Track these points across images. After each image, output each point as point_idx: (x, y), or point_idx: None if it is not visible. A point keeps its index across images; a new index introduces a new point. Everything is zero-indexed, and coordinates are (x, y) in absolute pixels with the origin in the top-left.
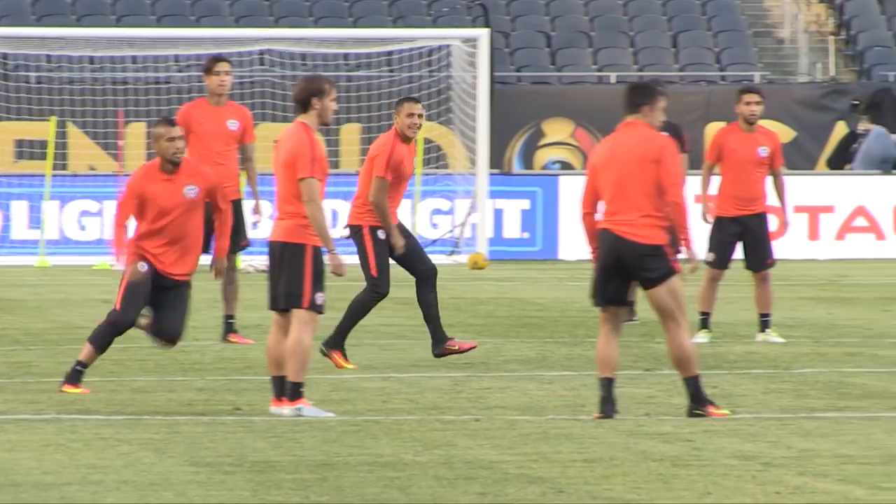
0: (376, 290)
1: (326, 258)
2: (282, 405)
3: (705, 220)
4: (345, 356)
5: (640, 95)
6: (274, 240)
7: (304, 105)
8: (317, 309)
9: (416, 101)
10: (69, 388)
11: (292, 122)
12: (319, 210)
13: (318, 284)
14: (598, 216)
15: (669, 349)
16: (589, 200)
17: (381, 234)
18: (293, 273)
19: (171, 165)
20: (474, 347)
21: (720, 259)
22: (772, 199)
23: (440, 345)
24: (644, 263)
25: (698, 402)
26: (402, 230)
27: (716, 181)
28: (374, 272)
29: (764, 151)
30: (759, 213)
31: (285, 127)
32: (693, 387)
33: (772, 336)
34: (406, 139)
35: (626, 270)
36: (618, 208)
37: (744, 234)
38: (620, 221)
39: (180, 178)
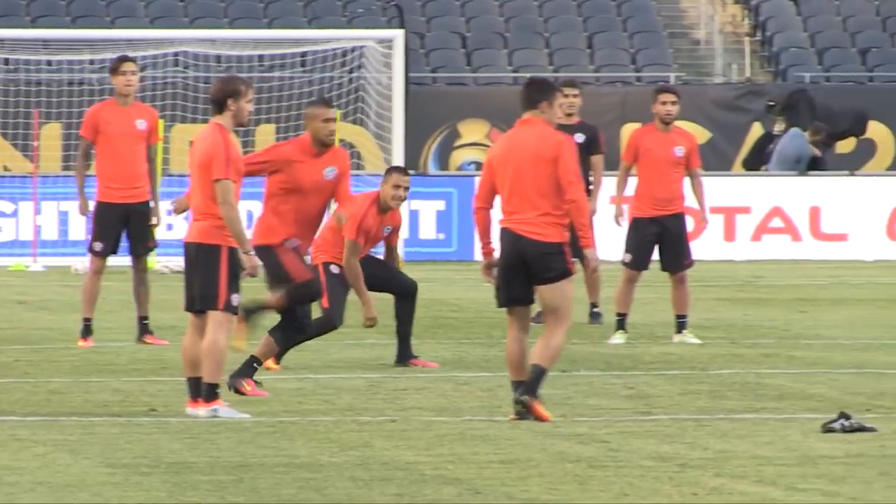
0: (329, 321)
1: (242, 259)
2: (198, 406)
3: (617, 222)
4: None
5: (537, 91)
6: (189, 241)
7: (219, 106)
8: (232, 310)
9: (406, 172)
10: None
11: (208, 123)
12: (234, 211)
13: (233, 286)
14: (493, 212)
15: (541, 343)
16: (484, 196)
17: (333, 269)
18: (208, 274)
19: (323, 147)
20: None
21: (637, 260)
22: (690, 199)
23: (404, 360)
24: (545, 262)
25: (532, 392)
26: (374, 261)
27: (633, 182)
28: (324, 303)
29: (680, 151)
30: (676, 213)
31: (199, 128)
32: (536, 377)
33: (688, 337)
34: (384, 209)
35: (528, 269)
36: (516, 207)
37: (661, 234)
38: (520, 220)
39: (325, 160)
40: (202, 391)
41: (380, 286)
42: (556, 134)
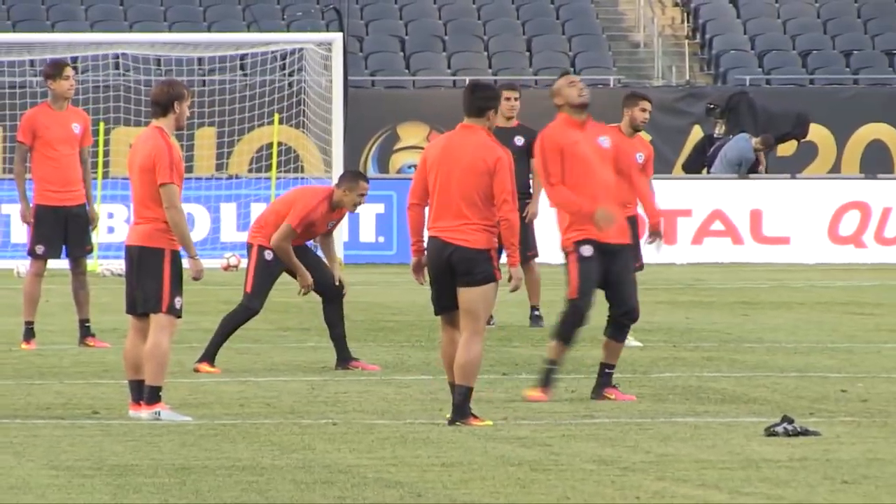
0: (249, 306)
1: (186, 262)
2: (140, 409)
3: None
4: (212, 364)
5: (485, 99)
6: (131, 244)
7: (164, 109)
8: (175, 313)
9: (368, 180)
10: (535, 394)
11: (147, 126)
12: (181, 215)
13: (176, 289)
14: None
15: (459, 353)
16: (418, 193)
17: (267, 255)
18: (152, 277)
19: (581, 110)
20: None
21: None
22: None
23: (345, 363)
24: (470, 266)
25: (463, 414)
26: (309, 255)
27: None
28: (247, 288)
29: (641, 158)
30: (630, 216)
31: (140, 131)
32: (463, 398)
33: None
34: (335, 207)
35: (455, 275)
36: (441, 214)
37: None
38: (446, 227)
39: (592, 130)
40: (144, 394)
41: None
42: (496, 147)
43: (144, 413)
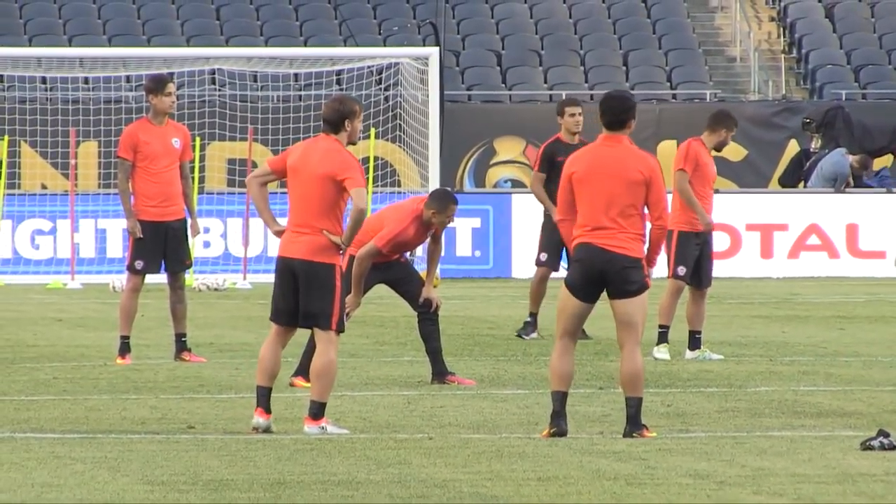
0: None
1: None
2: (268, 416)
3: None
4: (307, 378)
5: (624, 110)
6: (298, 257)
7: (335, 127)
8: (343, 329)
9: (457, 201)
10: None
11: (323, 136)
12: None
13: (344, 304)
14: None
15: (624, 366)
16: (564, 208)
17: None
18: (323, 293)
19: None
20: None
21: (689, 273)
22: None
23: (441, 377)
24: (625, 276)
25: (637, 425)
26: (407, 269)
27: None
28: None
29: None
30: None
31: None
32: (636, 409)
33: (708, 353)
34: (427, 226)
35: (604, 282)
36: (595, 224)
37: (701, 249)
38: (601, 235)
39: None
40: (311, 409)
41: (401, 291)
42: (648, 157)
43: (312, 428)
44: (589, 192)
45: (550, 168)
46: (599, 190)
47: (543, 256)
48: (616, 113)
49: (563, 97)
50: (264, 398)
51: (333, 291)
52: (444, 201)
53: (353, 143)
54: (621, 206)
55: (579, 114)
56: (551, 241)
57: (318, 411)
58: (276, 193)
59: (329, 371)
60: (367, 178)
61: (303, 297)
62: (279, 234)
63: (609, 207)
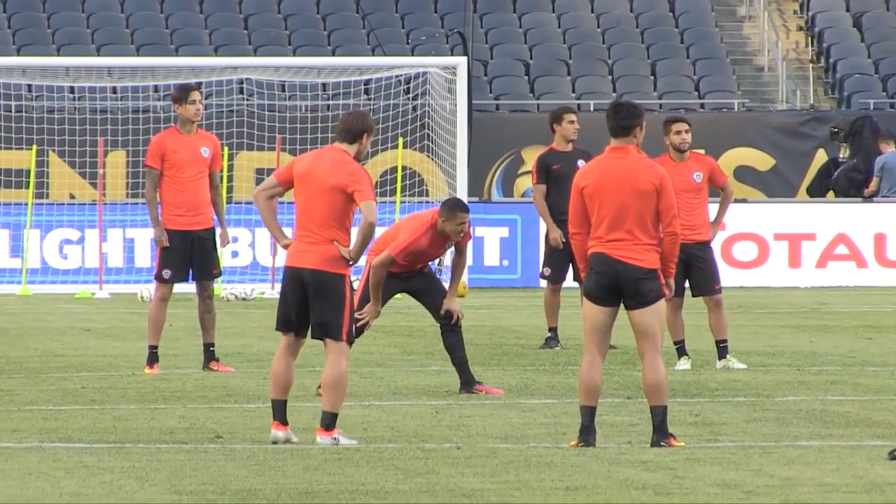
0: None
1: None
2: (285, 428)
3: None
4: None
5: (631, 117)
6: (308, 266)
7: (354, 137)
8: (352, 339)
9: (467, 209)
10: None
11: (331, 147)
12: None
13: (353, 315)
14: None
15: (647, 375)
16: (577, 221)
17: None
18: (334, 304)
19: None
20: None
21: (677, 288)
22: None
23: (468, 387)
24: (640, 286)
25: (664, 434)
26: (429, 279)
27: None
28: (356, 305)
29: (699, 177)
30: (701, 241)
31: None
32: (662, 418)
33: (733, 362)
34: (443, 236)
35: (619, 293)
36: (609, 235)
37: (688, 262)
38: (618, 247)
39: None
40: (324, 420)
41: (424, 302)
42: (656, 165)
43: (325, 439)
44: (601, 204)
45: (548, 178)
46: (611, 201)
47: (547, 271)
48: (621, 118)
49: (592, 107)
50: (280, 411)
51: (343, 302)
52: (453, 209)
53: (359, 160)
54: (634, 217)
55: (576, 121)
56: (553, 255)
57: (330, 422)
58: (283, 204)
59: (341, 382)
60: (396, 188)
61: (313, 307)
62: (287, 247)
63: (622, 218)
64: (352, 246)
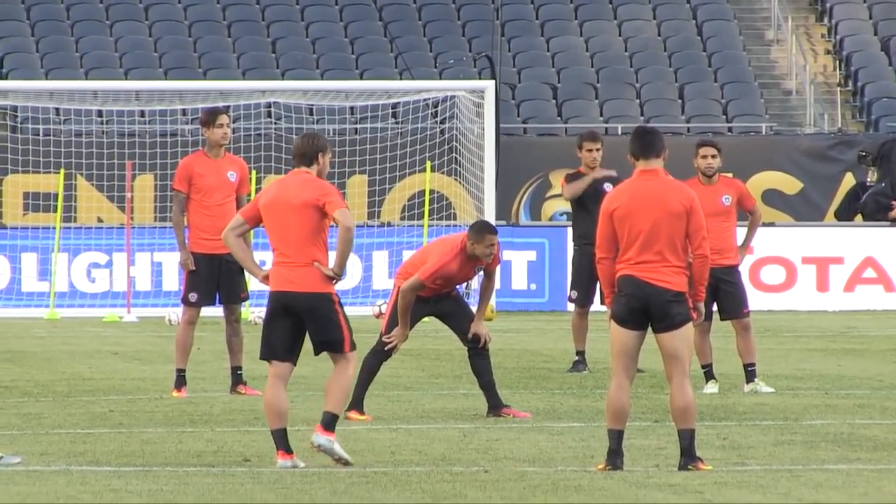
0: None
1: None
2: (291, 458)
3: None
4: (360, 411)
5: (657, 140)
6: (299, 290)
7: (310, 160)
8: (355, 346)
9: (495, 231)
10: None
11: (292, 172)
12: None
13: (348, 323)
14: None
15: (675, 398)
16: (605, 246)
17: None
18: (330, 322)
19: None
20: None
21: (707, 313)
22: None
23: (496, 410)
24: (668, 309)
25: (692, 457)
26: (458, 303)
27: None
28: (384, 328)
29: (727, 200)
30: (729, 265)
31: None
32: (690, 441)
33: (761, 386)
34: (472, 260)
35: (648, 315)
36: (638, 258)
37: (716, 286)
38: (647, 269)
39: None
40: (325, 419)
41: (451, 326)
42: (685, 187)
43: (322, 437)
44: (631, 226)
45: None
46: (642, 223)
47: (574, 294)
48: (648, 140)
49: (620, 130)
50: (282, 440)
51: (338, 317)
52: (481, 231)
53: (321, 178)
54: (665, 239)
55: (597, 150)
56: (580, 277)
57: (330, 422)
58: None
59: (347, 386)
60: (424, 212)
61: (310, 329)
62: (266, 279)
63: (653, 240)
64: (332, 263)
